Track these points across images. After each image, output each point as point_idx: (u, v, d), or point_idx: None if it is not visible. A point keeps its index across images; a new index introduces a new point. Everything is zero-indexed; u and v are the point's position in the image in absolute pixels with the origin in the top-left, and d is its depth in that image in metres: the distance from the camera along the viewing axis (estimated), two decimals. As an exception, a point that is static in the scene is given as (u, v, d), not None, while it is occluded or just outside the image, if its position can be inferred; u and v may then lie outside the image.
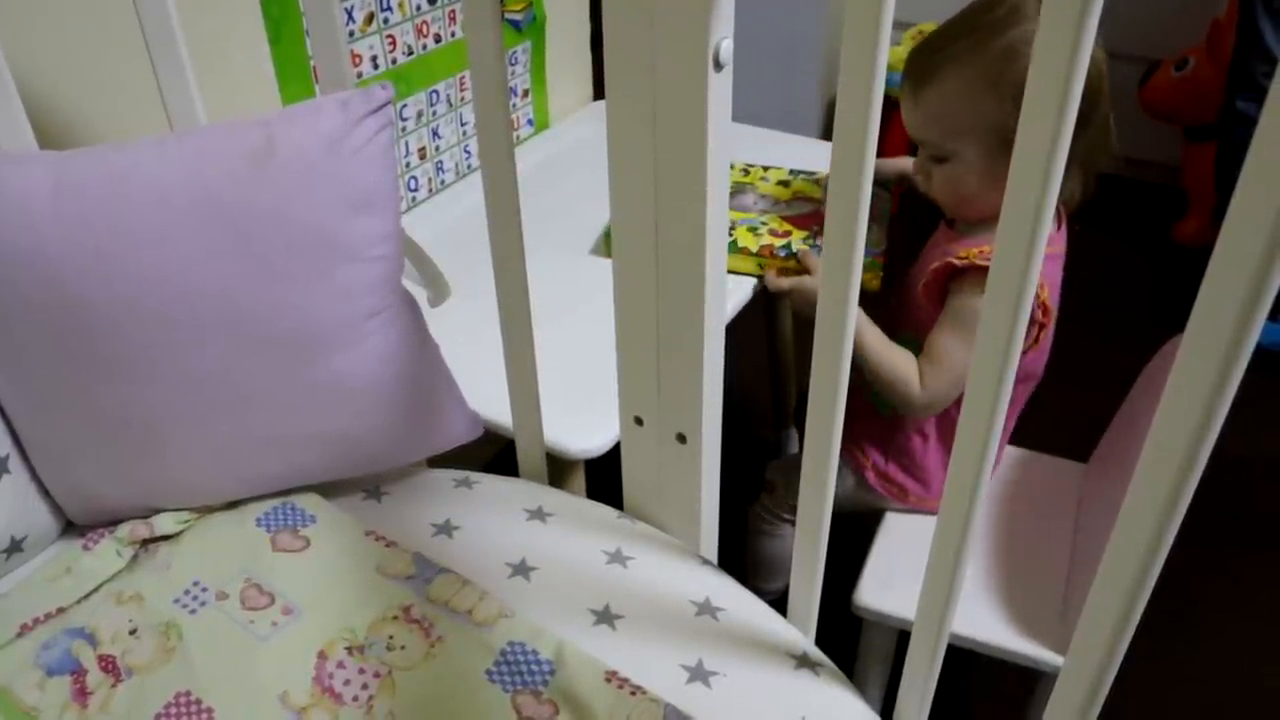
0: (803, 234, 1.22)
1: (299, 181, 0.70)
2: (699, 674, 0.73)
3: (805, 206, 1.28)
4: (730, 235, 1.22)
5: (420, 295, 0.93)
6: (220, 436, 0.78)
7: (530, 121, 1.60)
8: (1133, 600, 0.57)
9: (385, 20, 1.27)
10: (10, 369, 0.75)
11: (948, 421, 1.17)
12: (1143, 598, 0.57)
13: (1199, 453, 0.51)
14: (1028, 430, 1.30)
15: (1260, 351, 2.15)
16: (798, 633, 0.79)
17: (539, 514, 0.88)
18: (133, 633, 0.75)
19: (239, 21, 1.09)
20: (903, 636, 1.19)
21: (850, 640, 1.24)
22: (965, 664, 1.20)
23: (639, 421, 0.84)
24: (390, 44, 1.29)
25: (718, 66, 0.64)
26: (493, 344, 0.86)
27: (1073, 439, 1.38)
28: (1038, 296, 1.02)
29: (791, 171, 1.35)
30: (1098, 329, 2.17)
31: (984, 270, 0.95)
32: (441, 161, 1.44)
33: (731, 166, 1.37)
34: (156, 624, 0.75)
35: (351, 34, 1.23)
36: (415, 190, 1.40)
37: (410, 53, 1.32)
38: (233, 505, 0.85)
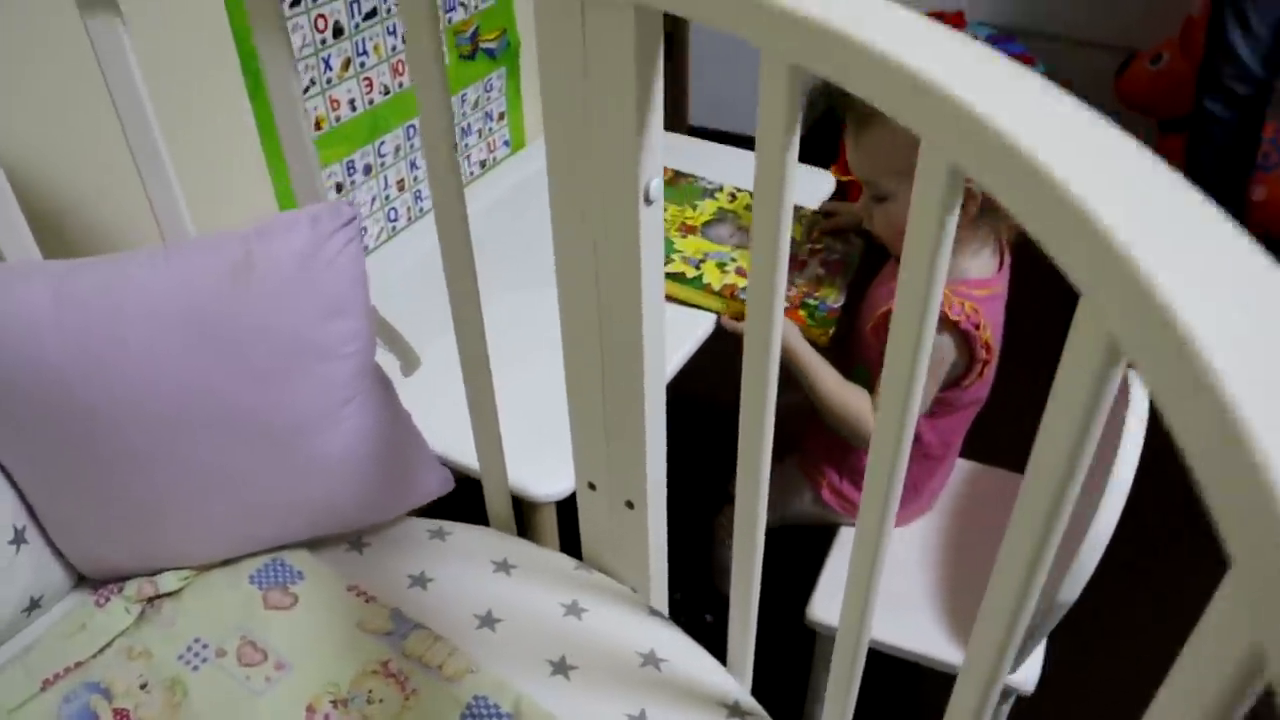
0: None
1: (276, 294, 0.78)
2: (642, 723, 0.83)
3: None
4: (698, 270, 1.29)
5: (393, 362, 1.01)
6: (215, 511, 0.88)
7: (506, 142, 1.66)
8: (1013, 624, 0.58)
9: (361, 64, 1.33)
10: (22, 458, 0.84)
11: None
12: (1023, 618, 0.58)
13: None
14: (990, 438, 1.37)
15: None
16: (734, 682, 0.89)
17: (504, 566, 0.97)
18: (143, 687, 0.85)
19: (231, 126, 1.16)
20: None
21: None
22: (919, 678, 1.28)
23: (592, 486, 0.92)
24: (367, 86, 1.35)
25: (648, 202, 0.71)
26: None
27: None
28: (980, 337, 1.08)
29: None
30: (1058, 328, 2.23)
31: None
32: (420, 190, 1.51)
33: (720, 190, 1.43)
34: (164, 679, 0.85)
35: (330, 81, 1.29)
36: (395, 220, 1.47)
37: (387, 92, 1.38)
38: (229, 562, 0.95)
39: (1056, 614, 1.09)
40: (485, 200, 1.55)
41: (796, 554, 1.37)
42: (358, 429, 0.88)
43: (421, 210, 1.52)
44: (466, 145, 1.57)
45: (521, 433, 1.00)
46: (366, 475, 0.90)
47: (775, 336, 0.66)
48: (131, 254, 0.79)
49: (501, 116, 1.63)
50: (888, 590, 1.27)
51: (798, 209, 1.37)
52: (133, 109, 0.78)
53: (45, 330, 0.78)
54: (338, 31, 1.27)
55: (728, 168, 1.54)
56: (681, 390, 1.85)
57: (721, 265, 1.30)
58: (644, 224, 0.72)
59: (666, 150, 1.62)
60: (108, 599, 0.92)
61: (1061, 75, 2.85)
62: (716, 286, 1.26)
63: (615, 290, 0.76)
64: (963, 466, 1.44)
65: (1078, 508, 1.15)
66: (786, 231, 0.63)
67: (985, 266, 1.12)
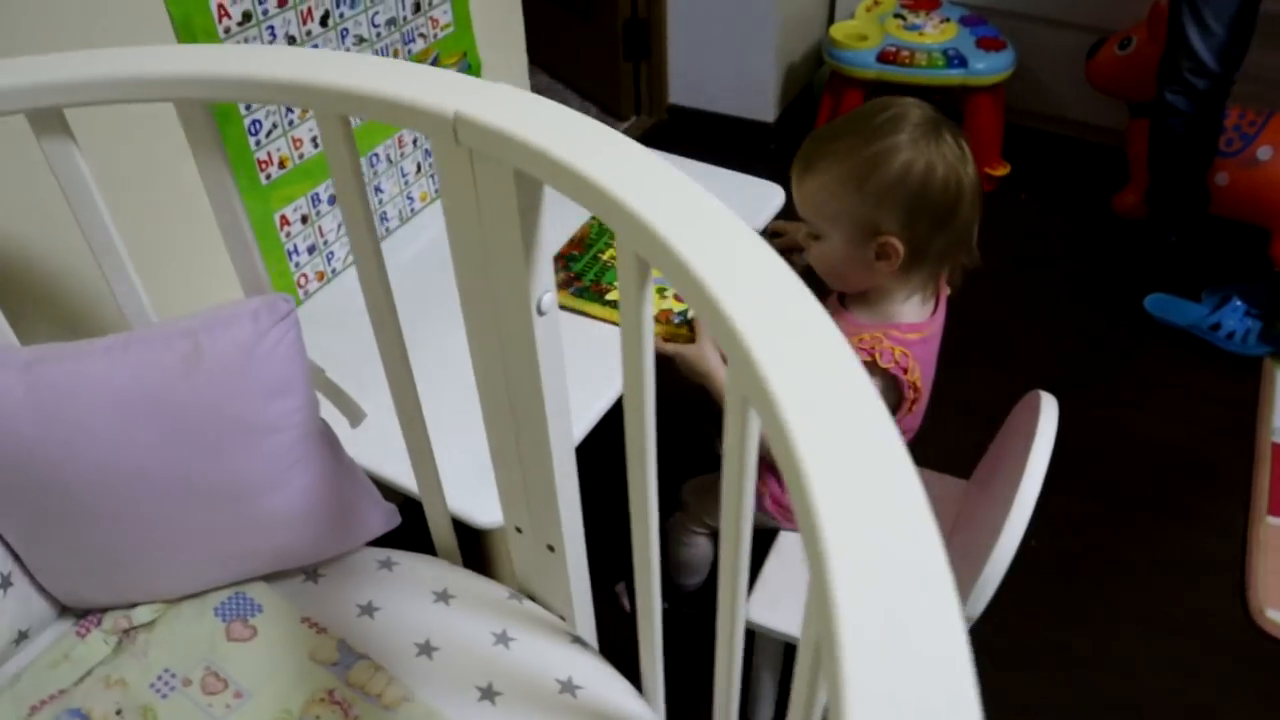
0: None
1: (223, 382, 0.88)
2: (556, 747, 0.94)
3: None
4: None
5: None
6: (180, 558, 0.99)
7: (473, 155, 1.73)
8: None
9: (323, 102, 1.40)
10: (3, 514, 0.95)
11: None
12: None
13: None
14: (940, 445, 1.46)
15: (1178, 333, 2.34)
16: (647, 708, 1.00)
17: (444, 596, 1.08)
18: (119, 713, 0.97)
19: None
20: (789, 649, 1.38)
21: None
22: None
23: (519, 530, 1.03)
24: (330, 121, 1.42)
25: (540, 313, 0.80)
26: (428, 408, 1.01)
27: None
28: (908, 380, 1.16)
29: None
30: (1022, 306, 2.29)
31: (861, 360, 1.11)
32: (385, 213, 1.59)
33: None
34: (137, 706, 0.97)
35: (292, 122, 1.36)
36: None
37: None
38: (197, 594, 1.06)
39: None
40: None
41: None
42: (304, 487, 0.98)
43: (388, 230, 1.60)
44: (430, 165, 1.65)
45: (468, 464, 1.09)
46: (315, 523, 1.01)
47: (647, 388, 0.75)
48: (91, 344, 0.89)
49: (465, 132, 1.70)
50: (803, 587, 1.39)
51: None
52: (91, 219, 0.86)
53: (19, 412, 0.88)
54: (291, 41, 1.34)
55: (720, 190, 1.58)
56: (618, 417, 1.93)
57: (661, 291, 1.34)
58: (539, 331, 0.81)
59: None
60: (88, 630, 1.03)
61: (1033, 56, 2.93)
62: (654, 311, 1.33)
63: (521, 383, 0.85)
64: None
65: (986, 528, 1.24)
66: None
67: (917, 312, 1.20)
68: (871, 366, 1.14)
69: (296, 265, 1.46)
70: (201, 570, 1.02)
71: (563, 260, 1.43)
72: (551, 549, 1.00)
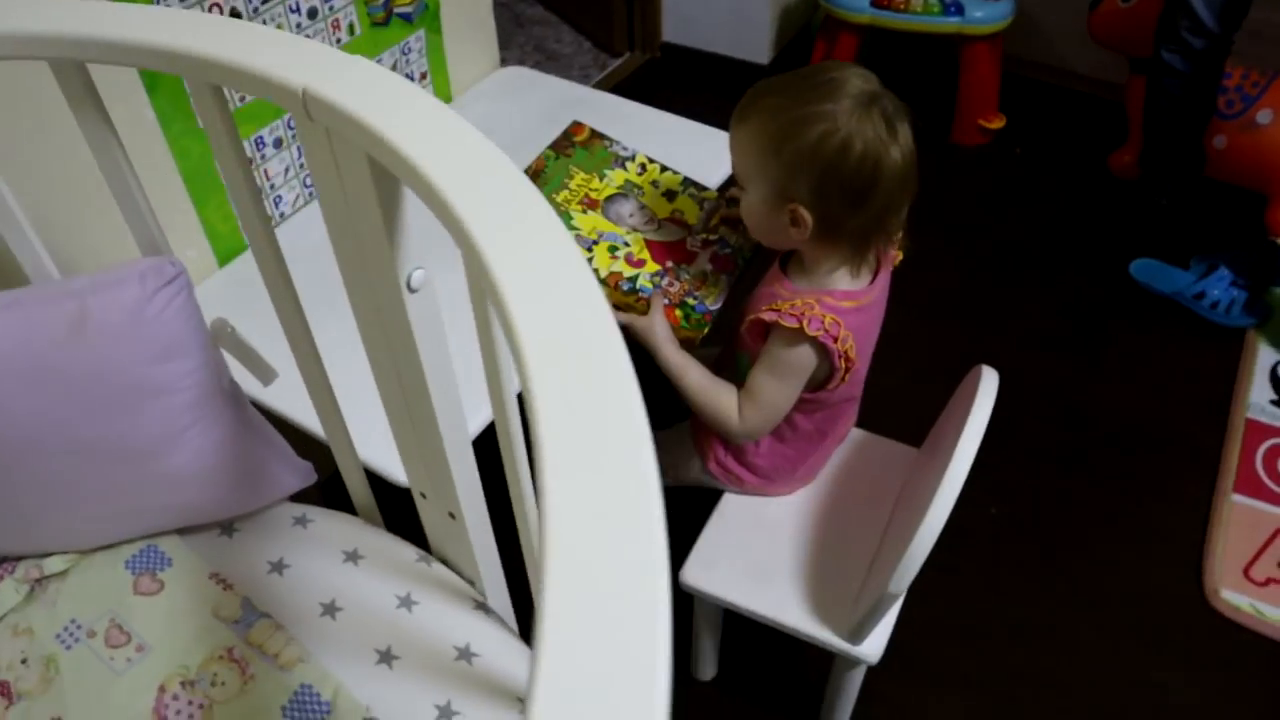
0: (655, 268, 1.29)
1: (109, 344, 0.87)
2: (446, 713, 0.96)
3: (674, 233, 1.34)
4: (590, 252, 1.30)
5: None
6: (85, 513, 1.00)
7: (433, 99, 1.69)
8: None
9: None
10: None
11: (782, 426, 1.32)
12: None
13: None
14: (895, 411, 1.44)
15: (1162, 300, 2.29)
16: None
17: (353, 556, 1.09)
18: (23, 661, 0.99)
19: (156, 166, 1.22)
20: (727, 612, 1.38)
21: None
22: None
23: (423, 495, 1.03)
24: (273, 64, 1.39)
25: (411, 290, 0.78)
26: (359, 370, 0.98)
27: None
28: (839, 350, 1.14)
29: (684, 182, 1.39)
30: (1003, 264, 2.24)
31: (788, 326, 1.09)
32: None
33: (631, 159, 1.43)
34: (42, 656, 0.99)
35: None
36: (311, 186, 1.54)
37: (295, 68, 1.42)
38: (110, 546, 1.07)
39: (888, 602, 1.18)
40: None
41: (692, 517, 1.45)
42: (203, 447, 0.98)
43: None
44: (387, 107, 1.61)
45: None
46: (219, 482, 1.01)
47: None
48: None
49: (424, 76, 1.66)
50: (753, 558, 1.39)
51: (700, 190, 1.38)
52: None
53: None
54: (235, 14, 1.31)
55: (651, 132, 1.54)
56: None
57: (613, 249, 1.31)
58: (412, 310, 0.79)
59: (593, 105, 1.63)
60: (1, 577, 1.05)
61: (1035, 3, 2.83)
62: (603, 273, 1.28)
63: (404, 359, 0.84)
64: (856, 436, 1.50)
65: (912, 506, 1.22)
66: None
67: (851, 281, 1.17)
68: (798, 334, 1.12)
69: (241, 211, 1.45)
70: (109, 524, 1.03)
71: None
72: (453, 516, 1.00)
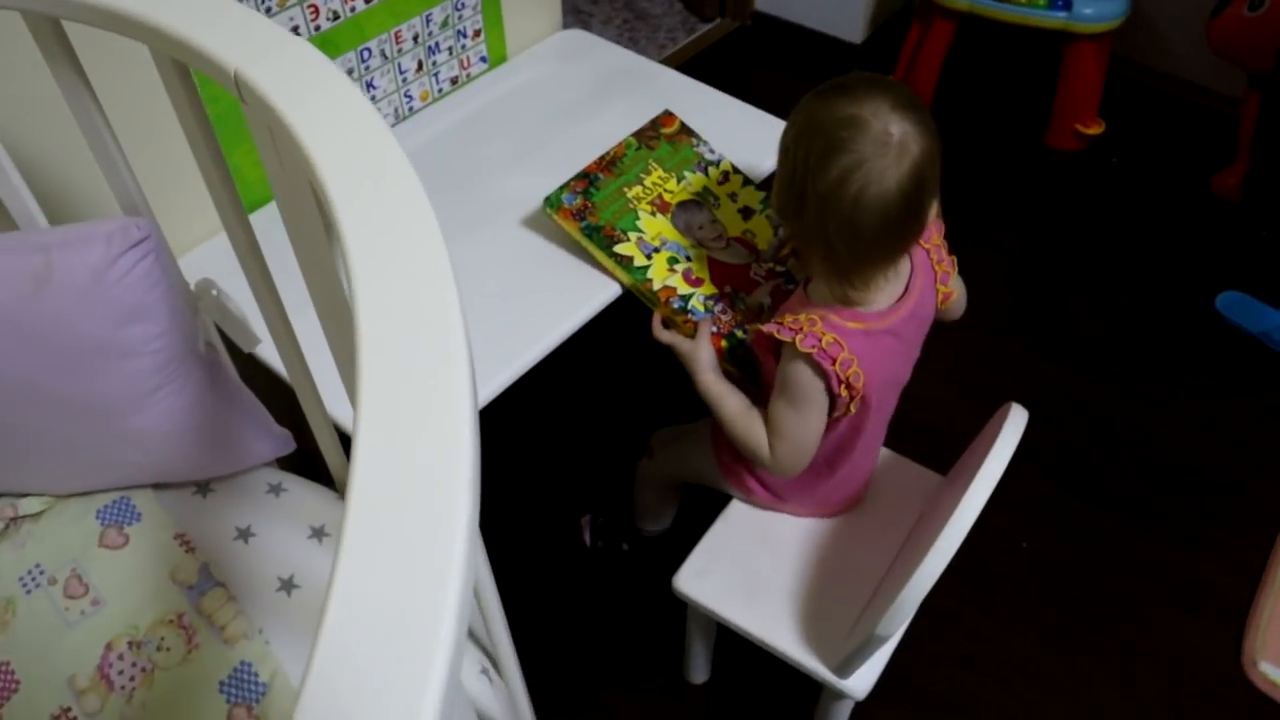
0: (711, 291, 1.23)
1: (72, 303, 0.86)
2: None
3: (741, 255, 1.27)
4: (648, 260, 1.23)
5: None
6: (61, 463, 1.00)
7: (484, 58, 1.64)
8: None
9: (306, -8, 1.33)
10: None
11: None
12: None
13: None
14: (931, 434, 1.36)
15: (1246, 339, 2.12)
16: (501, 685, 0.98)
17: (319, 533, 1.07)
18: (-14, 600, 1.00)
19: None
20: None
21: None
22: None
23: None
24: (313, 13, 1.36)
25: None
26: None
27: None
28: (836, 374, 1.06)
29: (764, 200, 1.32)
30: (1083, 282, 2.10)
31: (782, 340, 1.03)
32: (379, 109, 1.53)
33: (716, 165, 1.35)
34: (2, 597, 1.00)
35: (269, 10, 1.31)
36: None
37: (336, 17, 1.39)
38: (86, 493, 1.08)
39: (876, 644, 1.12)
40: (450, 119, 1.56)
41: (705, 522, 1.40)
42: (170, 410, 0.96)
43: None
44: (435, 64, 1.57)
45: None
46: (188, 445, 1.00)
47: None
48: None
49: (478, 34, 1.61)
50: (751, 571, 1.34)
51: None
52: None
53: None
54: None
55: (706, 111, 1.45)
56: (611, 346, 1.85)
57: (674, 261, 1.24)
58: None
59: (650, 78, 1.65)
60: (-23, 514, 1.06)
61: (1153, 3, 2.60)
62: (656, 285, 1.21)
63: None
64: (880, 454, 1.40)
65: (920, 544, 1.15)
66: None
67: (869, 302, 1.09)
68: (792, 349, 1.05)
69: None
70: (81, 474, 1.03)
71: (585, 181, 1.28)
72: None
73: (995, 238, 2.22)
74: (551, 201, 1.25)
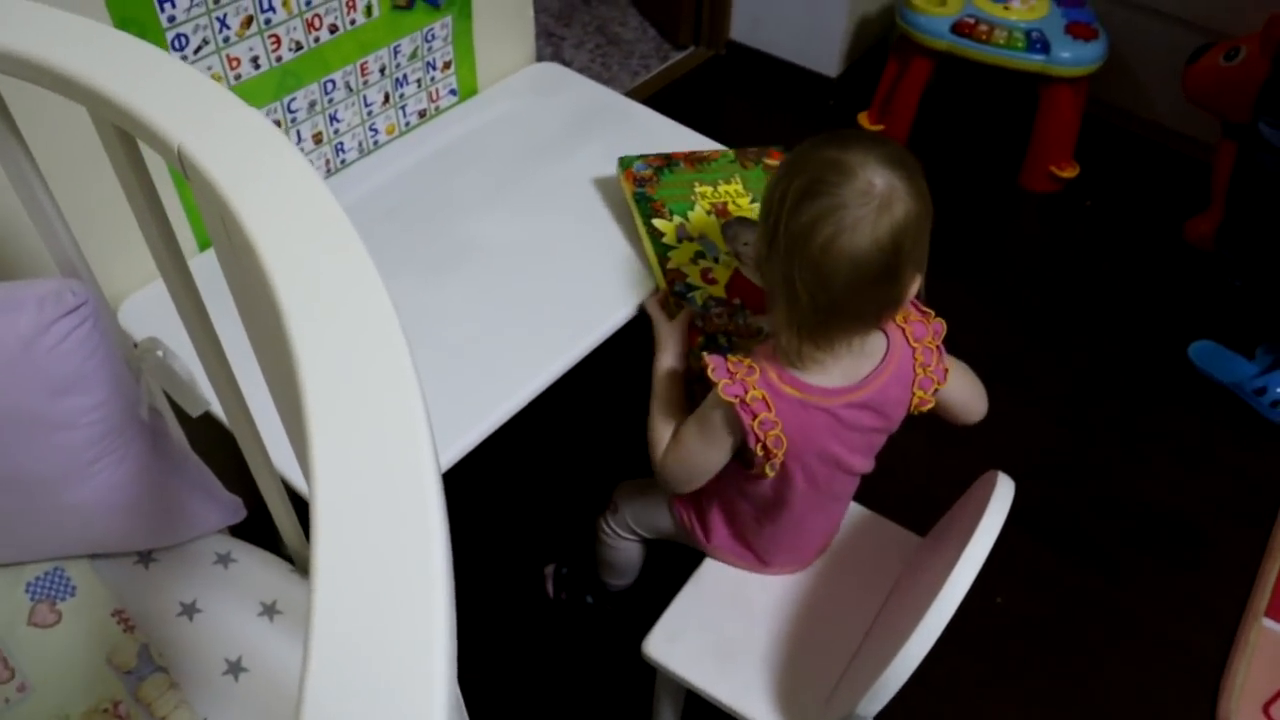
0: (718, 295, 1.22)
1: (1, 375, 0.78)
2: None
3: None
4: (679, 243, 1.25)
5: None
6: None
7: (454, 91, 1.58)
8: None
9: (267, 21, 1.26)
10: None
11: (733, 498, 1.21)
12: None
13: None
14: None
15: (1218, 390, 2.08)
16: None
17: (270, 609, 0.99)
18: (-100, 684, 0.92)
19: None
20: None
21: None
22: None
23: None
24: (274, 43, 1.29)
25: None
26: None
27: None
28: (755, 432, 1.01)
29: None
30: (1053, 327, 2.08)
31: (711, 378, 0.98)
32: (342, 143, 1.46)
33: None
34: (-82, 680, 0.92)
35: (227, 39, 1.23)
36: (376, 134, 1.45)
37: (299, 48, 1.32)
38: (14, 564, 0.99)
39: (855, 721, 1.08)
40: (417, 154, 1.50)
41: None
42: (110, 483, 0.89)
43: (343, 162, 1.48)
44: (402, 96, 1.51)
45: None
46: (129, 517, 0.93)
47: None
48: None
49: (447, 65, 1.55)
50: (723, 635, 1.28)
51: None
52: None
53: None
54: None
55: (671, 148, 1.42)
56: (580, 394, 1.80)
57: (699, 254, 1.25)
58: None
59: (622, 113, 1.63)
60: (-105, 584, 0.98)
61: (1130, 47, 2.59)
62: (670, 265, 1.23)
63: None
64: (855, 513, 1.36)
65: (901, 612, 1.10)
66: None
67: (812, 372, 1.02)
68: (717, 390, 1.01)
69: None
70: (9, 546, 0.95)
71: (664, 161, 1.35)
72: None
73: (965, 277, 2.19)
74: (624, 161, 1.33)
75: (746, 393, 0.99)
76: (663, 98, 2.69)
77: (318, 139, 1.42)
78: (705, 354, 1.04)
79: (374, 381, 0.45)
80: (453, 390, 1.09)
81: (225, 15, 1.21)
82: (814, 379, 1.02)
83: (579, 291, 1.25)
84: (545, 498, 1.79)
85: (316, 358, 0.46)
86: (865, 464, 1.16)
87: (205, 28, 1.20)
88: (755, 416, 0.99)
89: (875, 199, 0.90)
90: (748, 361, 1.02)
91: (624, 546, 1.55)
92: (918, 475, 1.48)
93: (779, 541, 1.26)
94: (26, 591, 0.98)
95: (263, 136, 0.56)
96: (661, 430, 1.13)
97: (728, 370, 1.01)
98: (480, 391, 1.11)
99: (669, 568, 1.36)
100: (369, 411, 0.44)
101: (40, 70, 0.63)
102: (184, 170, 0.56)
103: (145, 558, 1.02)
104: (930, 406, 1.11)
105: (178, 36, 1.19)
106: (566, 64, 2.82)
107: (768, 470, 1.06)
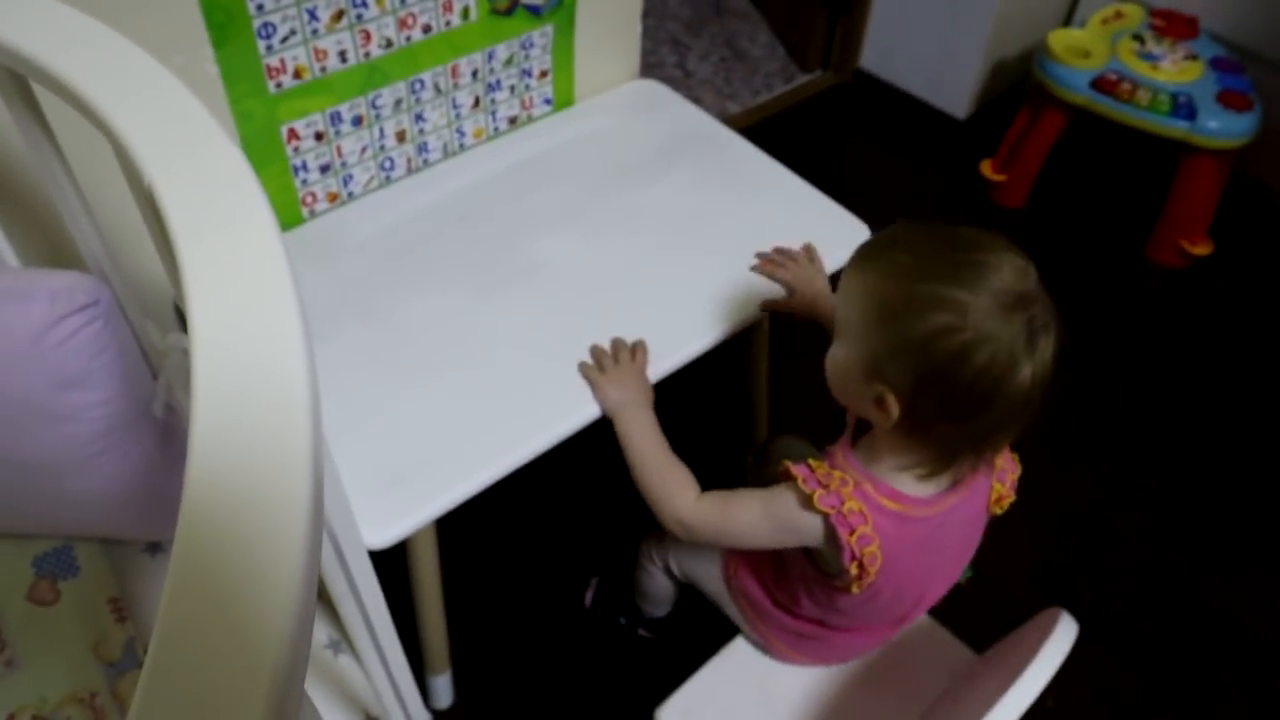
0: None
1: (8, 364, 0.78)
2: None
3: None
4: None
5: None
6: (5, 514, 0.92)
7: (548, 100, 1.55)
8: None
9: (358, 16, 1.25)
10: None
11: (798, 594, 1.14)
12: None
13: None
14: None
15: None
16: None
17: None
18: (-101, 641, 0.93)
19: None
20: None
21: None
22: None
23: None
24: (364, 38, 1.27)
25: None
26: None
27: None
28: (853, 548, 0.93)
29: None
30: (1162, 420, 1.92)
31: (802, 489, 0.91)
32: (426, 143, 1.44)
33: None
34: (-83, 638, 0.93)
35: (315, 31, 1.22)
36: (390, 170, 1.42)
37: (389, 45, 1.30)
38: (24, 536, 1.00)
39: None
40: (502, 161, 1.46)
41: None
42: (115, 473, 0.88)
43: (425, 162, 1.46)
44: (494, 101, 1.48)
45: (370, 467, 0.96)
46: (131, 509, 0.92)
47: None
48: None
49: (544, 74, 1.51)
50: (738, 713, 1.21)
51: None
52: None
53: None
54: None
55: (768, 189, 1.38)
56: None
57: None
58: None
59: (715, 144, 1.59)
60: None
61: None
62: None
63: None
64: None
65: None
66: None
67: (914, 485, 0.95)
68: (809, 500, 0.92)
69: (304, 183, 1.35)
70: (16, 520, 0.95)
71: None
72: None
73: (1074, 348, 2.05)
74: None
75: (843, 505, 0.92)
76: (781, 120, 2.60)
77: (400, 136, 1.40)
78: (790, 463, 0.96)
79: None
80: (500, 410, 1.06)
81: (315, 8, 1.20)
82: (914, 490, 0.94)
83: (643, 322, 1.19)
84: (616, 508, 1.74)
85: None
86: (941, 589, 1.08)
87: (294, 18, 1.19)
88: (853, 530, 0.92)
89: (1028, 331, 0.83)
90: (839, 473, 0.94)
91: (658, 577, 1.49)
92: (995, 559, 1.36)
93: (833, 645, 1.18)
94: (32, 565, 0.98)
95: (233, 177, 0.52)
96: (679, 474, 1.06)
97: (820, 481, 0.93)
98: (535, 414, 1.08)
99: (710, 616, 1.30)
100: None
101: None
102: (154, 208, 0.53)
103: (153, 547, 1.02)
104: (1010, 502, 1.03)
105: (264, 25, 1.18)
106: (689, 74, 2.76)
107: (855, 588, 0.97)
